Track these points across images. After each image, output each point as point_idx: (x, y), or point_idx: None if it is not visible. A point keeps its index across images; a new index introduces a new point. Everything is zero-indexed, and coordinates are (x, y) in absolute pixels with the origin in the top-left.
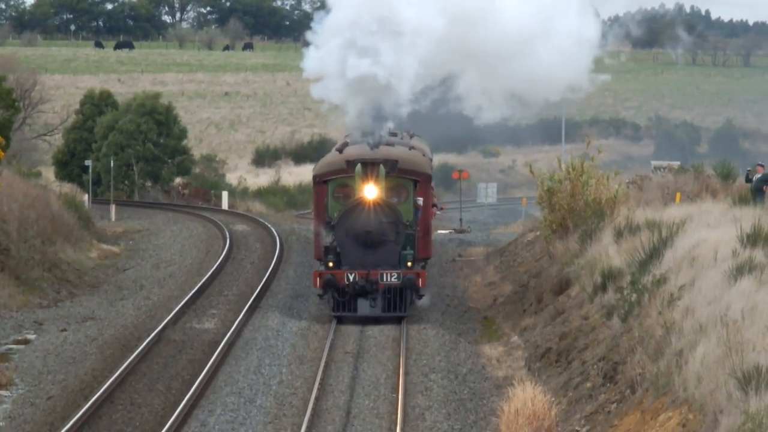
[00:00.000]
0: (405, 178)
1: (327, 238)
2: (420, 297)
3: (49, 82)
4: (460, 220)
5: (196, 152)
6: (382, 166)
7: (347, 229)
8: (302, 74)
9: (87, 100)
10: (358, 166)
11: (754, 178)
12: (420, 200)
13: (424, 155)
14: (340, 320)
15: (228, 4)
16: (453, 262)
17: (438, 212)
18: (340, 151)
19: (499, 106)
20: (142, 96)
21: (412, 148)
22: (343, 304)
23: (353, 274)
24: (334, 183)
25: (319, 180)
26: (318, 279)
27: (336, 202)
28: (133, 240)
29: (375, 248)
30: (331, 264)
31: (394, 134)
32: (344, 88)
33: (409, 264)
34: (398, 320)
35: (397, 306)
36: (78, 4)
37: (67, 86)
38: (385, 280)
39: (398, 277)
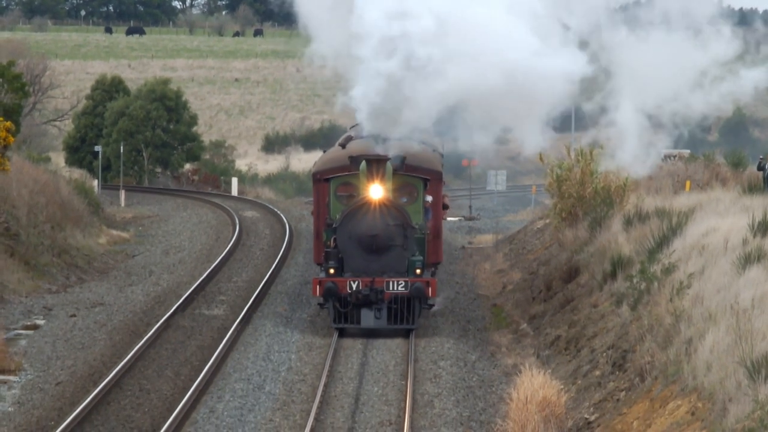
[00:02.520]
0: (414, 176)
1: (328, 242)
2: (430, 307)
3: (59, 67)
4: (470, 207)
5: (206, 138)
6: (389, 164)
7: (350, 233)
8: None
9: (97, 85)
10: (363, 164)
11: (766, 166)
12: (430, 199)
13: (434, 150)
14: (342, 333)
15: None
16: (462, 249)
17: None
18: (343, 146)
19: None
20: (152, 82)
21: (421, 142)
22: (345, 314)
23: (356, 282)
24: (336, 181)
25: (320, 178)
26: (318, 287)
27: (338, 202)
28: (142, 226)
29: (380, 253)
30: (332, 270)
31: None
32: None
33: (418, 271)
34: (405, 333)
35: (405, 317)
36: None
37: (77, 72)
38: (391, 288)
39: (406, 286)
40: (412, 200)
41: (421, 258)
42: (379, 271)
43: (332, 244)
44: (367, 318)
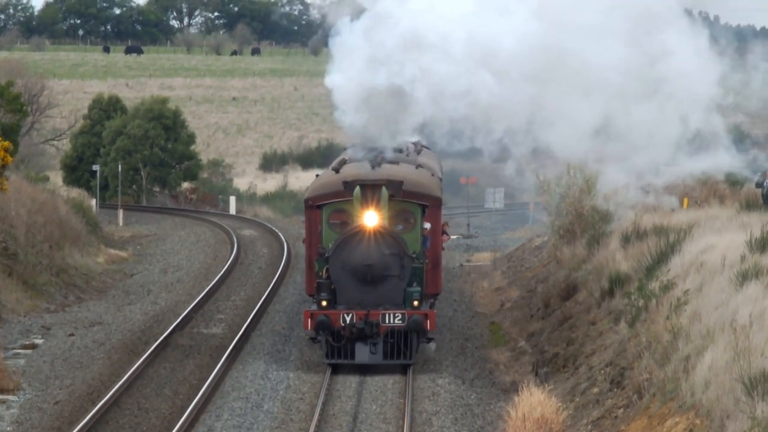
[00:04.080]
0: (411, 202)
1: (320, 272)
2: (428, 341)
3: (57, 86)
4: (468, 225)
5: (204, 157)
6: (384, 189)
7: (344, 262)
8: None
9: (95, 104)
10: (357, 189)
11: (765, 183)
12: (428, 227)
13: (433, 175)
14: (336, 369)
15: (236, 9)
16: (460, 267)
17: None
18: (337, 170)
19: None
20: (149, 101)
21: (419, 166)
22: (338, 349)
23: (350, 315)
24: (329, 208)
25: (312, 204)
26: (309, 320)
27: (331, 230)
28: (140, 245)
29: (376, 285)
30: (324, 303)
31: (399, 150)
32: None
33: (416, 303)
34: (403, 369)
35: (402, 352)
36: (86, 9)
37: (75, 91)
38: (387, 321)
39: (403, 319)
40: (409, 228)
41: (419, 289)
42: (375, 303)
43: (324, 274)
44: (362, 353)
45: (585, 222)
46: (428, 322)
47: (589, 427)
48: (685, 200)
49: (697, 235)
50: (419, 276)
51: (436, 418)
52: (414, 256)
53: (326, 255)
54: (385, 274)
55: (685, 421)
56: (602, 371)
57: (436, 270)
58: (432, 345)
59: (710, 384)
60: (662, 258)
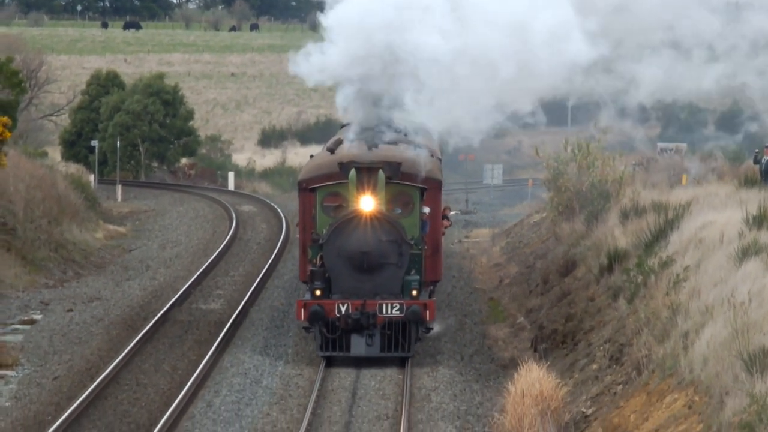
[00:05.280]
0: (410, 185)
1: (314, 260)
2: (428, 331)
3: (56, 62)
4: (466, 201)
5: (202, 133)
6: (381, 172)
7: (339, 249)
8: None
9: (93, 80)
10: (352, 172)
11: (763, 160)
12: (427, 211)
13: (432, 155)
14: (330, 361)
15: None
16: (459, 243)
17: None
18: (332, 151)
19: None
20: (148, 76)
21: (418, 146)
22: (333, 341)
23: (346, 305)
24: (323, 191)
25: (306, 187)
26: (302, 310)
27: (325, 214)
28: (139, 220)
29: (372, 273)
30: (318, 292)
31: (397, 130)
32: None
33: (414, 292)
34: (401, 362)
35: (399, 344)
36: None
37: (73, 66)
38: (384, 312)
39: (401, 309)
40: (407, 212)
41: (417, 277)
42: (371, 293)
43: (318, 262)
44: (358, 345)
45: (584, 198)
46: (428, 312)
47: (588, 403)
48: (684, 177)
49: (695, 211)
50: (418, 263)
51: (435, 393)
52: (412, 242)
53: (320, 241)
54: (382, 262)
55: (684, 398)
56: (601, 347)
57: (436, 256)
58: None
59: (709, 360)
60: (661, 234)
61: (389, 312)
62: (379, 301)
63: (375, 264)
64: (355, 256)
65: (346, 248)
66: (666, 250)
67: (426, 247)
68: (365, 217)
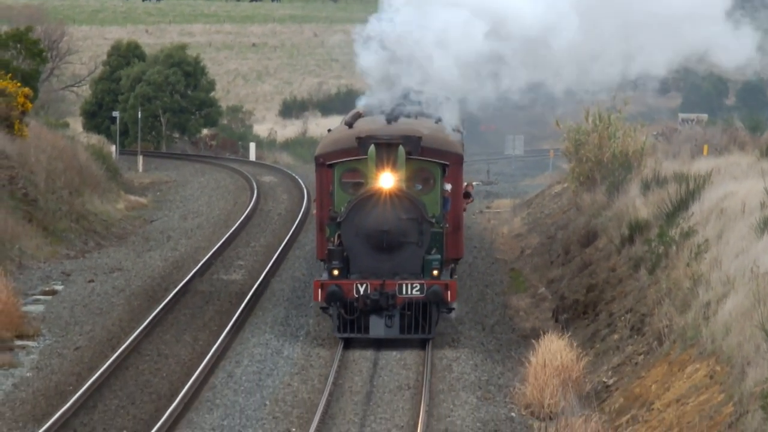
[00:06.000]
0: (431, 161)
1: (331, 239)
2: (449, 311)
3: (77, 33)
4: (488, 171)
5: (223, 103)
6: (401, 148)
7: (357, 228)
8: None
9: (114, 51)
10: (371, 148)
11: None
12: (449, 188)
13: (454, 129)
14: (348, 343)
15: None
16: (480, 214)
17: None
18: (350, 125)
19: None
20: (169, 47)
21: (439, 120)
22: (351, 322)
23: (364, 285)
24: (341, 167)
25: (323, 162)
26: (320, 290)
27: (344, 191)
28: (160, 191)
29: (392, 252)
30: (336, 272)
31: (417, 102)
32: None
33: (435, 272)
34: (421, 344)
35: (420, 326)
36: None
37: (94, 37)
38: (404, 292)
39: (421, 289)
40: (428, 189)
41: (438, 257)
42: (391, 273)
43: (336, 240)
44: (377, 326)
45: (605, 169)
46: (449, 292)
47: (609, 373)
48: (705, 147)
49: (717, 182)
50: (439, 242)
51: (456, 364)
52: (433, 220)
53: (338, 219)
54: (402, 240)
55: (705, 368)
56: (622, 318)
57: (458, 234)
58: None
59: (731, 331)
60: (682, 205)
61: (409, 292)
62: (399, 282)
63: (395, 243)
64: (374, 235)
65: (364, 227)
66: (687, 220)
67: (447, 225)
68: (384, 195)
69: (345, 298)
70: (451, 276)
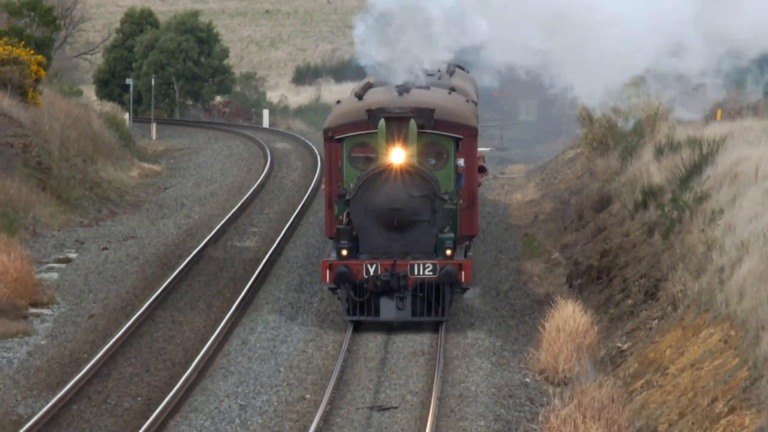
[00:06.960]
0: (444, 135)
1: (340, 217)
2: (463, 291)
3: (90, 0)
4: (501, 137)
5: (237, 71)
6: (413, 121)
7: (367, 206)
8: None
9: (127, 18)
10: (381, 122)
11: None
12: (462, 163)
13: (467, 100)
14: (358, 326)
15: None
16: (494, 179)
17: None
18: (360, 96)
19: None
20: (182, 14)
21: (452, 90)
22: (360, 305)
23: (374, 266)
24: (350, 142)
25: (332, 136)
26: (328, 271)
27: (353, 166)
28: (173, 159)
29: (403, 231)
30: (345, 252)
31: (430, 74)
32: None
33: (449, 252)
34: (434, 327)
35: (433, 308)
36: None
37: (108, 4)
38: (416, 273)
39: (434, 270)
40: (441, 164)
41: (452, 235)
42: (402, 252)
43: (345, 219)
44: (388, 309)
45: (618, 134)
46: (463, 273)
47: (624, 338)
48: (719, 112)
49: (730, 146)
50: (452, 219)
51: (471, 329)
52: (446, 197)
53: (347, 197)
54: (413, 219)
55: (719, 332)
56: (636, 283)
57: (472, 210)
58: (471, 294)
59: (745, 295)
60: (696, 170)
61: (421, 273)
62: (411, 262)
63: (406, 221)
64: (384, 213)
65: (374, 204)
66: (701, 185)
67: (461, 202)
68: (395, 171)
69: (354, 279)
70: (465, 255)
